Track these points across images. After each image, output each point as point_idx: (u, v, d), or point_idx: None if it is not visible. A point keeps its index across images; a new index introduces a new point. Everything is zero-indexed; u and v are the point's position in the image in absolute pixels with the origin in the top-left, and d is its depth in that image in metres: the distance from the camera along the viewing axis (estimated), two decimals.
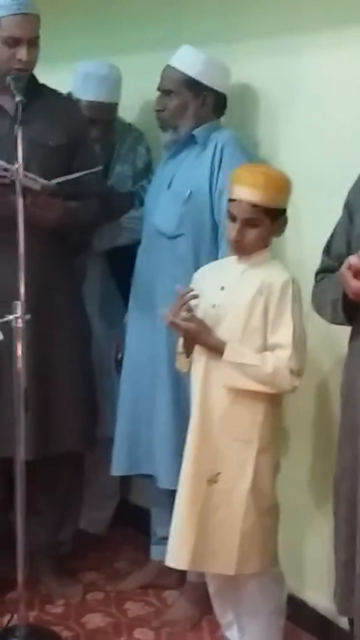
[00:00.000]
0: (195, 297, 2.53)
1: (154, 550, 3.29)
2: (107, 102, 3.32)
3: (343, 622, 2.75)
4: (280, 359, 2.45)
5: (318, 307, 2.38)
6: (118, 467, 3.17)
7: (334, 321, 2.32)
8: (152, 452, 3.03)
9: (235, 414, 2.54)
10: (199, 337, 2.55)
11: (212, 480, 2.56)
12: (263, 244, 2.55)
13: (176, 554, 2.62)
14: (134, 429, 3.12)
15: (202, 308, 2.59)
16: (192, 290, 2.56)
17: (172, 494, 2.90)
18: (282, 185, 2.51)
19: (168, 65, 3.00)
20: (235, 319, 2.52)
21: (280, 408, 2.61)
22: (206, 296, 2.59)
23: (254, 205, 2.45)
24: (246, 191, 2.46)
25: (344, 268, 2.08)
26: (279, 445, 2.66)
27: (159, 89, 3.03)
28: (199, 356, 2.60)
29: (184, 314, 2.52)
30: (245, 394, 2.51)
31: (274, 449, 2.60)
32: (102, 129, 3.32)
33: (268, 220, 2.49)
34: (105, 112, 3.33)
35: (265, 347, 2.50)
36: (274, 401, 2.55)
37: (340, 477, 2.30)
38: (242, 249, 2.53)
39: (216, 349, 2.51)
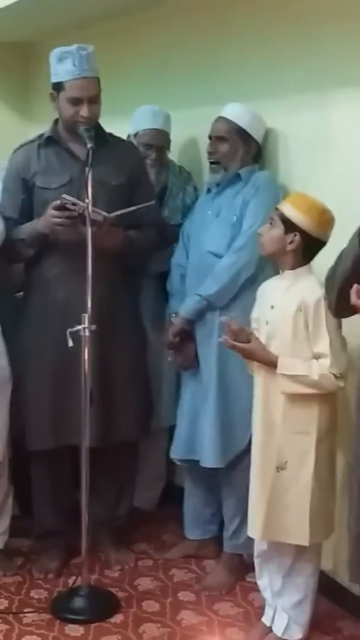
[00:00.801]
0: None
1: (189, 531, 3.34)
2: (160, 129, 3.35)
3: (355, 589, 2.85)
4: (323, 366, 2.46)
5: None
6: (177, 452, 3.19)
7: None
8: (201, 441, 3.05)
9: (294, 412, 2.54)
10: (255, 355, 2.57)
11: (281, 467, 2.57)
12: (303, 261, 2.56)
13: (252, 528, 2.66)
14: (190, 423, 3.13)
15: (260, 325, 2.64)
16: (234, 319, 2.60)
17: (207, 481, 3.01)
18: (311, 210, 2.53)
19: (220, 117, 3.03)
20: (284, 334, 2.52)
21: (333, 404, 2.59)
22: (262, 314, 2.63)
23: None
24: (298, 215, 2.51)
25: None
26: (336, 435, 2.64)
27: (210, 137, 3.06)
28: (259, 369, 2.62)
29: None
30: (300, 396, 2.52)
31: (331, 439, 2.60)
32: (157, 152, 3.34)
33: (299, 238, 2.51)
34: (159, 138, 3.36)
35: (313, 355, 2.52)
36: (326, 399, 2.54)
37: (354, 464, 2.32)
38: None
39: (271, 364, 2.53)
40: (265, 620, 2.79)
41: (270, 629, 2.76)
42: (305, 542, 2.56)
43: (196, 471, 3.19)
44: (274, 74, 3.09)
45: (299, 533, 2.57)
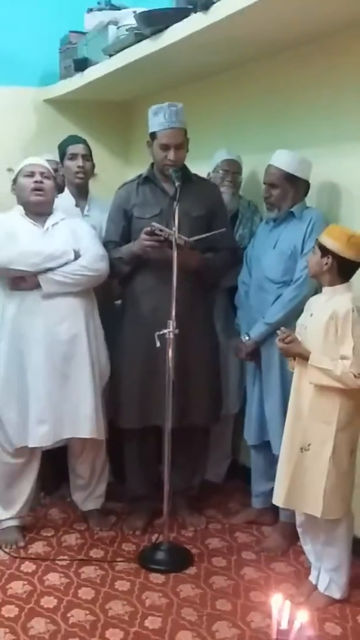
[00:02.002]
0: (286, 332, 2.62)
1: (254, 500, 3.32)
2: (235, 159, 3.38)
3: None
4: (345, 366, 2.46)
5: None
6: (249, 436, 3.19)
7: None
8: (271, 430, 3.06)
9: (319, 402, 2.55)
10: (293, 349, 2.60)
11: (305, 449, 2.58)
12: (340, 279, 2.56)
13: (276, 495, 2.68)
14: (258, 415, 3.13)
15: (301, 329, 2.66)
16: (285, 330, 2.64)
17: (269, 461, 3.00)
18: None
19: (270, 165, 2.99)
20: (317, 337, 2.54)
21: (354, 400, 2.55)
22: (304, 321, 2.65)
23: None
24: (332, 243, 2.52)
25: None
26: (357, 427, 2.61)
27: (264, 183, 3.03)
28: (296, 364, 2.64)
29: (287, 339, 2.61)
30: (325, 388, 2.52)
31: (351, 429, 2.58)
32: (232, 176, 3.35)
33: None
34: (234, 166, 3.37)
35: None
36: (348, 394, 2.52)
37: None
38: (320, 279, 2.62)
39: (304, 357, 2.55)
40: (312, 579, 2.78)
41: (315, 587, 2.75)
42: (318, 514, 2.57)
43: (262, 452, 3.19)
44: (330, 123, 3.07)
45: (314, 506, 2.57)
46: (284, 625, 2.32)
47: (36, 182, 2.99)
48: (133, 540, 3.19)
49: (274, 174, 2.98)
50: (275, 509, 3.18)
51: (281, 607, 2.34)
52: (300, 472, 2.59)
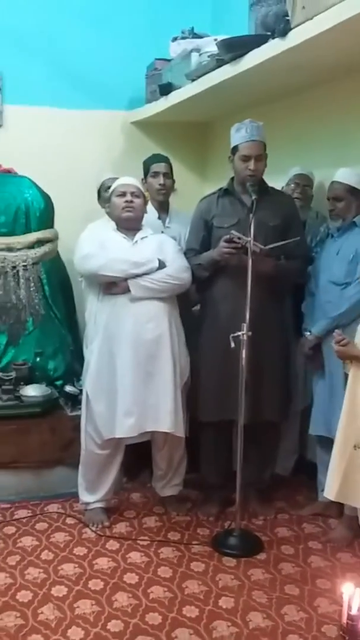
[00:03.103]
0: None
1: (320, 494, 3.24)
2: (306, 174, 3.39)
3: None
4: None
5: None
6: (316, 430, 3.14)
7: None
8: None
9: None
10: (349, 352, 2.60)
11: (358, 446, 2.56)
12: None
13: (328, 489, 2.67)
14: (324, 410, 3.09)
15: (357, 333, 2.64)
16: (340, 333, 2.63)
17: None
18: None
19: (334, 181, 3.03)
20: None
21: None
22: None
23: None
24: None
25: None
26: None
27: (329, 198, 3.06)
28: (353, 366, 2.62)
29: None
30: None
31: None
32: (302, 189, 3.36)
33: None
34: (305, 179, 3.38)
35: None
36: None
37: None
38: None
39: (357, 359, 2.56)
40: None
41: None
42: None
43: (327, 447, 3.08)
44: None
45: None
46: (354, 611, 2.29)
47: (127, 201, 3.06)
48: (207, 526, 3.19)
49: (337, 188, 3.02)
50: (340, 503, 3.11)
51: (352, 594, 2.30)
52: (353, 468, 2.55)
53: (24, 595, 2.63)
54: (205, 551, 2.97)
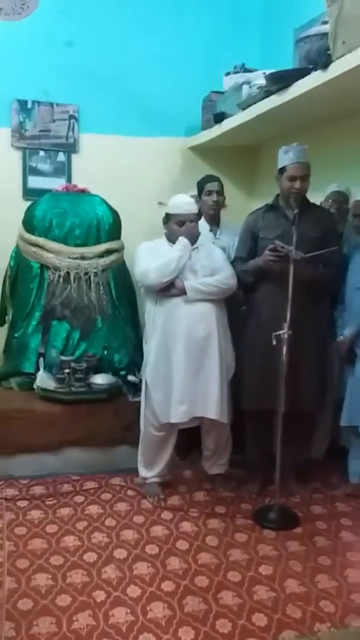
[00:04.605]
0: None
1: (352, 477, 3.17)
2: (342, 191, 3.31)
3: None
4: None
5: None
6: (345, 420, 3.06)
7: None
8: None
9: None
10: None
11: None
12: None
13: (356, 475, 2.61)
14: (355, 401, 3.03)
15: None
16: None
17: None
18: None
19: (358, 200, 2.98)
20: None
21: None
22: None
23: None
24: None
25: None
26: None
27: (355, 215, 3.05)
28: None
29: None
30: None
31: None
32: (338, 205, 3.29)
33: None
34: (341, 196, 3.31)
35: None
36: None
37: None
38: None
39: None
40: None
41: None
42: None
43: (352, 435, 3.07)
44: None
45: None
46: None
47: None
48: (249, 501, 3.17)
49: None
50: None
51: None
52: None
53: (90, 556, 2.67)
54: (247, 524, 2.95)
